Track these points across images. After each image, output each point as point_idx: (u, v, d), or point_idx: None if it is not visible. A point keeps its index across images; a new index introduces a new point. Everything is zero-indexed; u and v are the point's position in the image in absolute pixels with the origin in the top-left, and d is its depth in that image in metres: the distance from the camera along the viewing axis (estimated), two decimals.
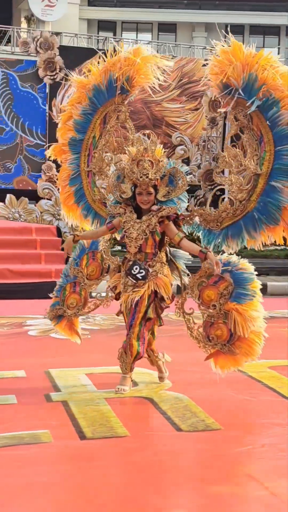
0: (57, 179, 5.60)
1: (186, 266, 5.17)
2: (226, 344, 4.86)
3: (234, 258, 4.95)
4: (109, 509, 3.38)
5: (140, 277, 4.87)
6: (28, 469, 3.79)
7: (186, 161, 15.46)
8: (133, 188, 4.92)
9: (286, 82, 4.73)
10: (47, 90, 14.95)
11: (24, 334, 6.90)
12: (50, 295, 5.44)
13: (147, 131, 5.07)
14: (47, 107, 15.05)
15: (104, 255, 5.30)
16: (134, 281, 4.88)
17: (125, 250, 5.01)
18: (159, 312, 4.97)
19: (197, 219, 5.00)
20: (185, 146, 15.67)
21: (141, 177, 4.79)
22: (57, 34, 15.75)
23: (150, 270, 4.89)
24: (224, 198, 4.96)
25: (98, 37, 17.34)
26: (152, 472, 3.73)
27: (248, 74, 4.72)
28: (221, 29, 5.19)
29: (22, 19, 25.31)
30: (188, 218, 4.99)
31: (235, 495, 3.48)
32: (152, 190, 4.86)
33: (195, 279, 4.97)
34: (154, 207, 4.88)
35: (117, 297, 5.07)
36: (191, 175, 5.01)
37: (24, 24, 24.31)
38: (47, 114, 15.00)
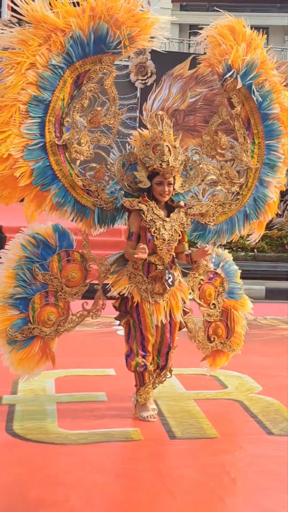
0: None
1: None
2: (225, 342, 4.79)
3: (220, 250, 4.79)
4: (196, 508, 3.38)
5: (171, 284, 4.26)
6: (119, 466, 3.85)
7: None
8: (148, 177, 4.23)
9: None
10: (138, 94, 15.05)
11: (113, 334, 6.95)
12: (8, 312, 4.30)
13: (160, 112, 4.22)
14: (137, 112, 15.15)
15: (85, 255, 4.44)
16: (168, 288, 4.26)
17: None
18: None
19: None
20: (199, 155, 15.56)
21: (161, 164, 4.13)
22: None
23: (175, 275, 4.33)
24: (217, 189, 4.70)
25: (189, 41, 17.32)
26: (241, 475, 3.70)
27: (252, 58, 4.47)
28: None
29: None
30: None
31: None
32: (172, 180, 4.22)
33: (194, 278, 4.61)
34: (182, 202, 4.32)
35: (119, 306, 4.35)
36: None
37: None
38: (138, 118, 15.11)
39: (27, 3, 4.04)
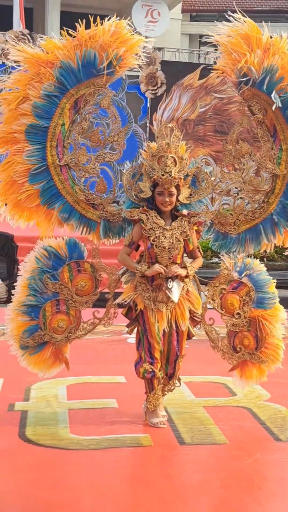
0: None
1: None
2: (254, 353, 4.70)
3: (249, 259, 4.72)
4: None
5: (173, 292, 4.29)
6: (129, 471, 3.94)
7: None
8: (152, 187, 4.34)
9: None
10: (148, 105, 15.16)
11: (124, 342, 7.01)
12: (21, 319, 4.53)
13: (170, 125, 4.32)
14: (148, 121, 15.26)
15: (95, 265, 4.58)
16: (170, 296, 4.28)
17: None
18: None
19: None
20: (211, 166, 15.74)
21: (162, 174, 4.21)
22: (160, 49, 15.96)
23: (182, 284, 4.36)
24: (239, 198, 4.68)
25: (199, 51, 17.43)
26: (249, 480, 3.76)
27: (270, 65, 4.38)
28: None
29: None
30: None
31: None
32: (174, 190, 4.28)
33: (214, 287, 4.65)
34: (185, 211, 4.35)
35: (126, 314, 4.47)
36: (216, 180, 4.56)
37: None
38: (148, 127, 15.21)
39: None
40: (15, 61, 4.39)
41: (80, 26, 4.30)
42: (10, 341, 4.59)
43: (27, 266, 4.58)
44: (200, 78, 14.55)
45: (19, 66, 4.41)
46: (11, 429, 4.32)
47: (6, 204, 4.50)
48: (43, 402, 4.85)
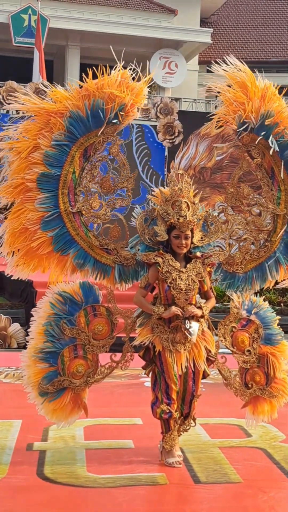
0: None
1: None
2: (265, 388, 4.83)
3: (255, 297, 4.89)
4: None
5: (192, 332, 4.40)
6: (145, 508, 4.00)
7: None
8: (167, 231, 4.45)
9: None
10: (166, 153, 15.39)
11: (141, 385, 7.08)
12: (39, 366, 4.56)
13: (181, 171, 4.52)
14: (165, 170, 15.48)
15: (111, 309, 4.67)
16: (189, 337, 4.39)
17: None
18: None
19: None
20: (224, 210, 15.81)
21: (178, 218, 4.36)
22: (177, 99, 16.31)
23: (198, 324, 4.46)
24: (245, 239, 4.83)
25: (216, 102, 17.78)
26: None
27: (267, 111, 4.60)
28: None
29: None
30: None
31: None
32: (189, 233, 4.44)
33: (225, 325, 4.78)
34: (198, 253, 4.50)
35: (143, 356, 4.55)
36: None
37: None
38: (165, 175, 15.41)
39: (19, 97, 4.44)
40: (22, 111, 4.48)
41: (95, 76, 4.42)
42: (28, 389, 4.63)
43: (41, 312, 4.62)
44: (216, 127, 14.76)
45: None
46: (29, 467, 4.40)
47: (13, 253, 4.52)
48: (61, 442, 4.92)
